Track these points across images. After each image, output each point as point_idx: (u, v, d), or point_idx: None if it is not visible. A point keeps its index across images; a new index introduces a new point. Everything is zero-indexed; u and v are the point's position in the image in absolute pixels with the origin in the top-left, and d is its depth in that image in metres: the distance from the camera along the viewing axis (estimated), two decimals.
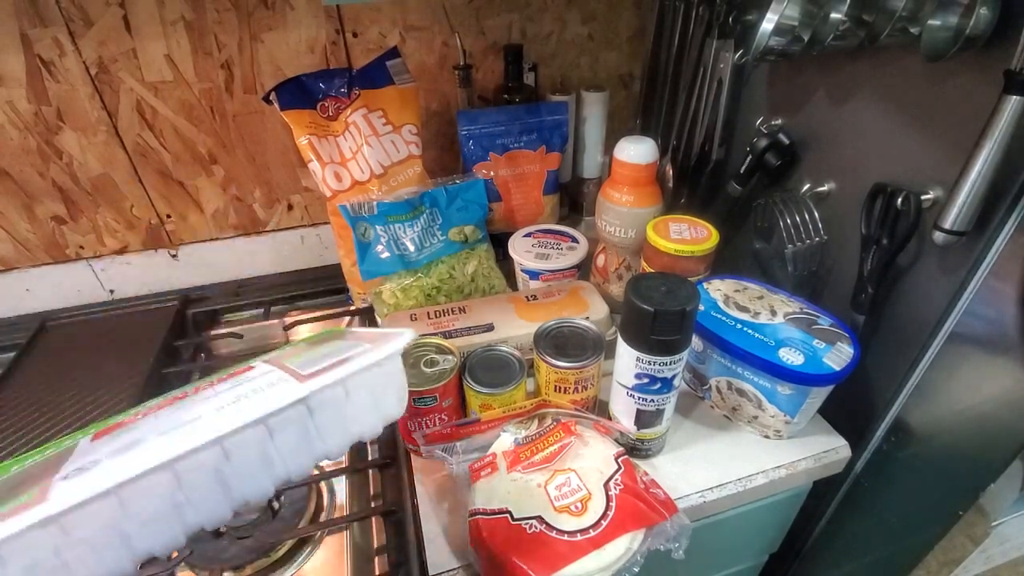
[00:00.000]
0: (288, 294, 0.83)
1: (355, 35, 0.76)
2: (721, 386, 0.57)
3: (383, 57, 0.70)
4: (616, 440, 0.53)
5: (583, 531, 0.44)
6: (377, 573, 0.52)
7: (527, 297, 0.65)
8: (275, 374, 0.33)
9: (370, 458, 0.62)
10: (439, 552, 0.48)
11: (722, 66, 0.65)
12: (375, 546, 0.55)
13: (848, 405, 0.56)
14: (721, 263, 0.63)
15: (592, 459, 0.50)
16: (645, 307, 0.43)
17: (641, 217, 0.64)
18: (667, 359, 0.46)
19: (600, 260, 0.73)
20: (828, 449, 0.56)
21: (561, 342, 0.54)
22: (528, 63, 0.82)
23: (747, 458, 0.55)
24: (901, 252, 0.50)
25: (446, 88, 0.84)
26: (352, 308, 0.80)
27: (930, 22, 0.41)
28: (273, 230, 0.88)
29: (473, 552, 0.46)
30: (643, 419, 0.51)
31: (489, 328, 0.60)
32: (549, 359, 0.52)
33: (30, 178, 0.74)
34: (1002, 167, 0.39)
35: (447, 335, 0.59)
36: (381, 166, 0.70)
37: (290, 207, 0.86)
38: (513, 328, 0.60)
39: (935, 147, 0.46)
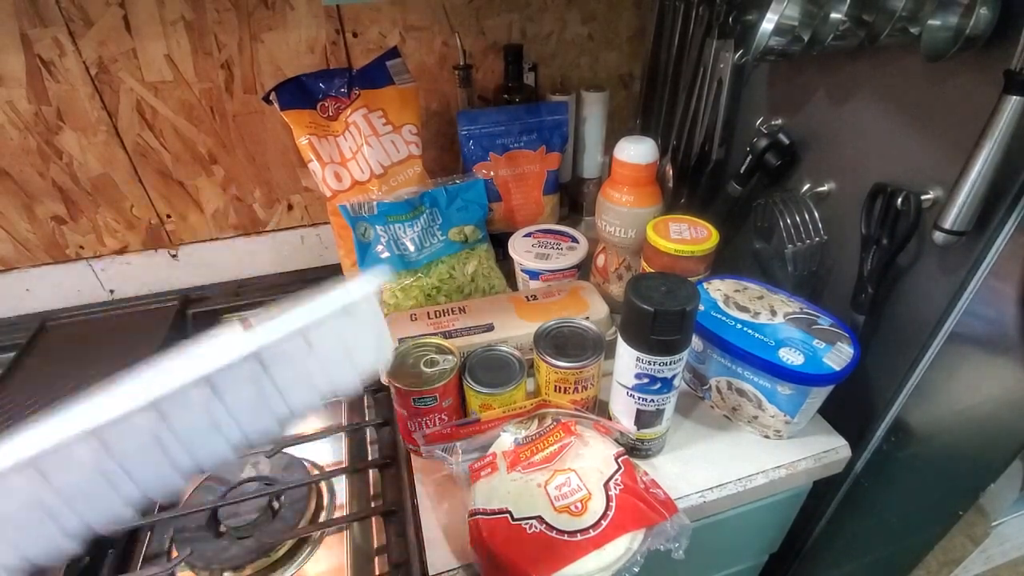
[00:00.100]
0: (288, 294, 0.82)
1: (355, 35, 0.76)
2: (721, 386, 0.57)
3: (383, 57, 0.70)
4: (616, 440, 0.53)
5: (583, 531, 0.44)
6: (377, 573, 0.52)
7: (527, 297, 0.65)
8: (230, 330, 0.29)
9: (370, 458, 0.62)
10: (439, 552, 0.48)
11: (722, 66, 0.65)
12: (375, 546, 0.55)
13: (848, 405, 0.56)
14: (721, 263, 0.63)
15: (592, 459, 0.50)
16: (645, 307, 0.43)
17: (641, 217, 0.64)
18: (667, 359, 0.46)
19: (600, 260, 0.73)
20: (828, 449, 0.56)
21: (561, 342, 0.54)
22: (528, 63, 0.82)
23: (747, 458, 0.55)
24: (901, 252, 0.50)
25: (446, 88, 0.83)
26: None
27: (930, 22, 0.41)
28: (273, 230, 0.88)
29: (473, 552, 0.46)
30: (643, 419, 0.51)
31: (489, 328, 0.60)
32: (549, 359, 0.52)
33: (30, 178, 0.74)
34: (1002, 167, 0.39)
35: (447, 335, 0.59)
36: (381, 166, 0.70)
37: (290, 207, 0.86)
38: (513, 328, 0.60)
39: (935, 147, 0.46)
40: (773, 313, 0.55)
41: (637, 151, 0.62)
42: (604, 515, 0.45)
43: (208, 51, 0.71)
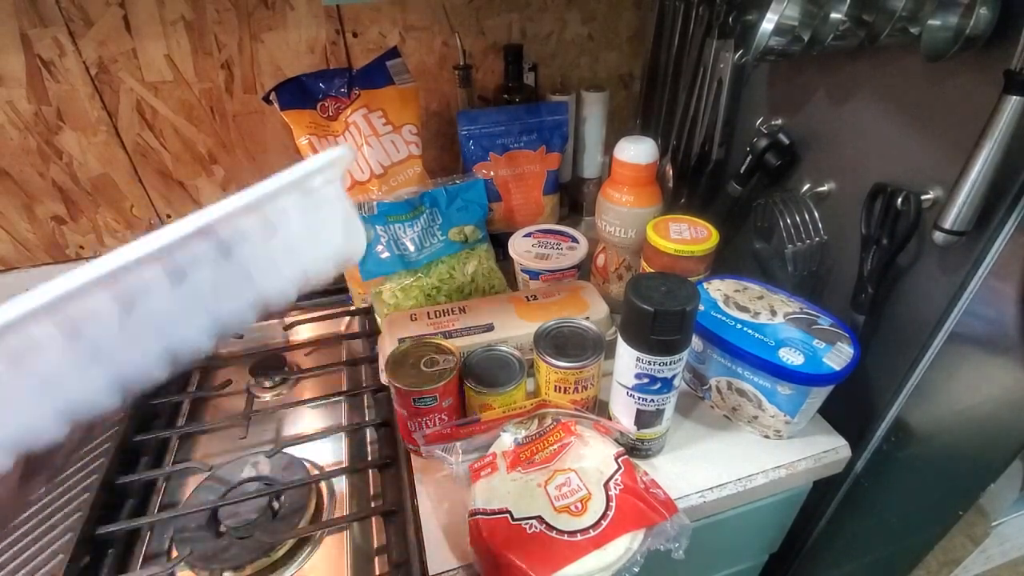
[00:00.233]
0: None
1: (355, 35, 0.76)
2: (721, 386, 0.57)
3: (383, 57, 0.70)
4: (616, 440, 0.53)
5: (583, 531, 0.44)
6: (377, 573, 0.52)
7: (527, 297, 0.65)
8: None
9: (370, 458, 0.62)
10: (439, 552, 0.48)
11: (722, 66, 0.65)
12: (375, 546, 0.55)
13: (848, 405, 0.56)
14: (721, 263, 0.63)
15: (592, 459, 0.50)
16: (645, 307, 0.43)
17: (641, 217, 0.64)
18: (667, 359, 0.46)
19: (600, 260, 0.73)
20: (828, 449, 0.56)
21: (561, 342, 0.54)
22: (528, 63, 0.82)
23: (747, 458, 0.55)
24: (901, 252, 0.50)
25: (446, 88, 0.84)
26: (352, 308, 0.80)
27: (930, 22, 0.41)
28: None
29: (473, 552, 0.46)
30: (643, 419, 0.51)
31: (489, 328, 0.60)
32: (549, 359, 0.52)
33: (30, 178, 0.74)
34: (1002, 167, 0.39)
35: (447, 335, 0.59)
36: (381, 166, 0.70)
37: None
38: (513, 328, 0.60)
39: (935, 147, 0.46)
40: (773, 313, 0.55)
41: (637, 151, 0.62)
42: (604, 515, 0.45)
43: (208, 51, 0.71)
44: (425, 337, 0.56)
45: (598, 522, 0.44)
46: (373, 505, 0.58)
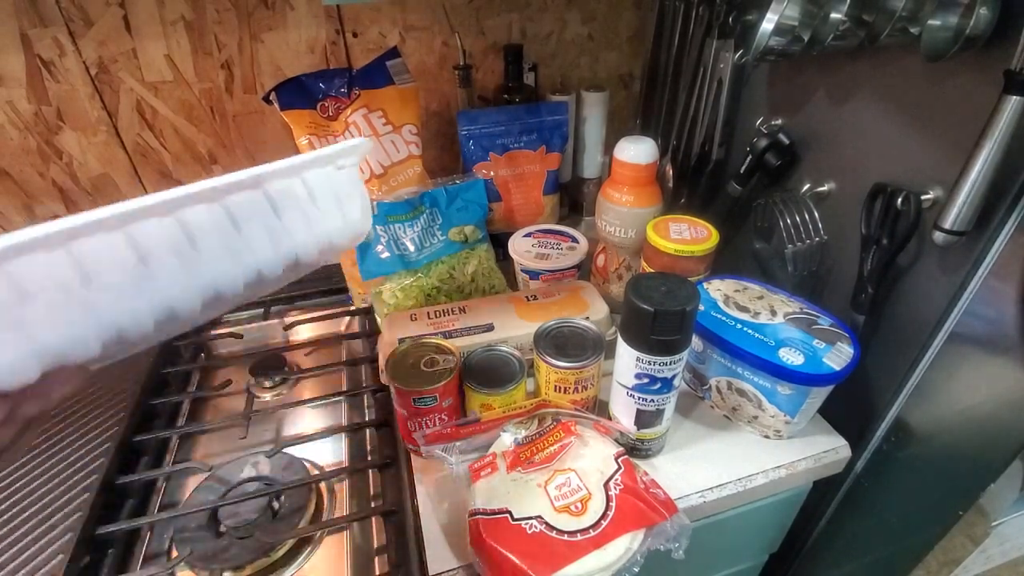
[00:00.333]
0: (288, 294, 0.83)
1: (355, 35, 0.76)
2: (721, 386, 0.57)
3: (383, 57, 0.70)
4: (616, 440, 0.53)
5: (583, 531, 0.44)
6: (377, 573, 0.52)
7: (527, 297, 0.65)
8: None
9: (370, 458, 0.62)
10: (439, 552, 0.48)
11: (722, 66, 0.65)
12: (375, 546, 0.55)
13: (848, 405, 0.56)
14: (721, 263, 0.63)
15: (592, 459, 0.50)
16: (645, 307, 0.43)
17: (641, 217, 0.64)
18: (667, 359, 0.46)
19: (600, 260, 0.73)
20: (828, 449, 0.56)
21: (561, 342, 0.54)
22: (528, 63, 0.82)
23: (747, 458, 0.55)
24: (901, 252, 0.50)
25: (446, 88, 0.84)
26: (352, 308, 0.80)
27: (930, 22, 0.41)
28: None
29: (473, 552, 0.46)
30: (643, 419, 0.51)
31: (489, 328, 0.60)
32: (549, 359, 0.52)
33: (30, 178, 0.74)
34: (1002, 167, 0.39)
35: (447, 335, 0.59)
36: (381, 166, 0.70)
37: None
38: (513, 328, 0.60)
39: (935, 147, 0.46)
40: (773, 313, 0.55)
41: (637, 151, 0.62)
42: (604, 515, 0.45)
43: (208, 51, 0.71)
44: (425, 337, 0.56)
45: (598, 522, 0.44)
46: (373, 505, 0.58)
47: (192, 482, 0.60)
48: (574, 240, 0.72)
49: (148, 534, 0.57)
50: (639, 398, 0.49)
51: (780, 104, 0.63)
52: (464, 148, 0.78)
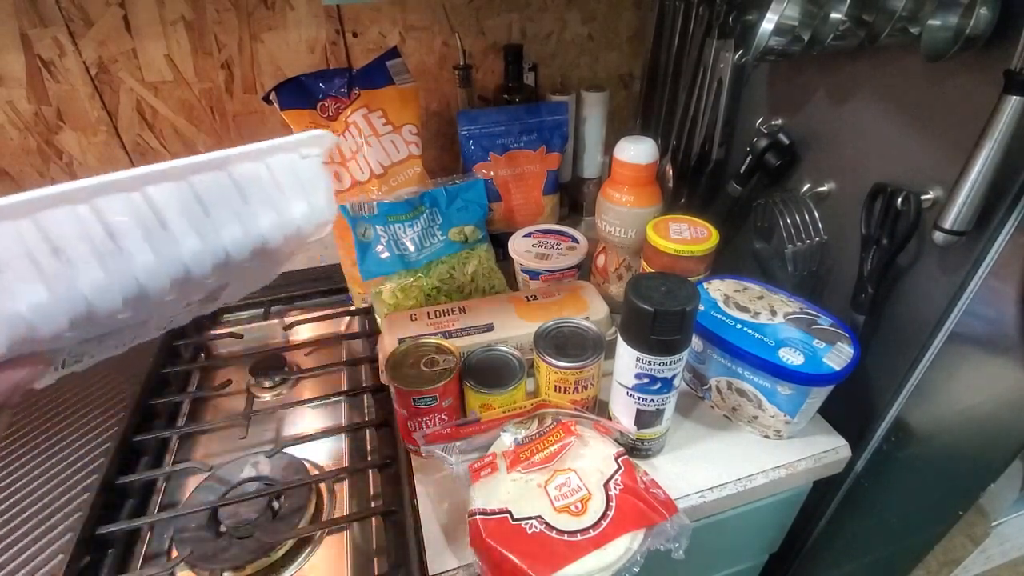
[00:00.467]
0: (288, 294, 0.83)
1: (355, 35, 0.76)
2: (721, 386, 0.57)
3: (383, 57, 0.70)
4: (616, 440, 0.53)
5: (583, 531, 0.44)
6: (377, 573, 0.52)
7: (527, 297, 0.65)
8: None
9: (370, 458, 0.62)
10: (439, 552, 0.48)
11: (722, 66, 0.65)
12: (375, 546, 0.55)
13: (848, 405, 0.56)
14: (721, 263, 0.63)
15: (592, 459, 0.50)
16: (645, 307, 0.43)
17: (641, 217, 0.64)
18: (667, 359, 0.46)
19: (600, 260, 0.73)
20: (828, 449, 0.56)
21: (561, 342, 0.54)
22: (528, 63, 0.82)
23: (747, 458, 0.55)
24: (901, 252, 0.50)
25: (446, 88, 0.84)
26: (352, 308, 0.80)
27: (930, 22, 0.41)
28: None
29: (473, 552, 0.46)
30: (643, 419, 0.51)
31: (489, 328, 0.60)
32: (549, 359, 0.52)
33: (30, 178, 0.74)
34: (1002, 167, 0.39)
35: (447, 335, 0.59)
36: (381, 166, 0.70)
37: None
38: (513, 328, 0.60)
39: (935, 147, 0.46)
40: (773, 313, 0.55)
41: (637, 151, 0.62)
42: (604, 515, 0.45)
43: (208, 51, 0.71)
44: (425, 337, 0.56)
45: (598, 522, 0.44)
46: (373, 505, 0.58)
47: (192, 482, 0.60)
48: (574, 240, 0.72)
49: (148, 534, 0.57)
50: (639, 398, 0.49)
51: (780, 104, 0.63)
52: (464, 148, 0.78)
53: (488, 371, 0.54)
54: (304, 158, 0.35)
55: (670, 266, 0.60)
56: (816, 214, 0.59)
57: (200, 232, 0.31)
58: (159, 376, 0.70)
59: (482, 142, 0.78)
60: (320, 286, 0.84)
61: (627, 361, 0.47)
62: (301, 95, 0.69)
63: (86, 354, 0.32)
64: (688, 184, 0.77)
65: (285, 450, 0.62)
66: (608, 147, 0.80)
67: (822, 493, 0.64)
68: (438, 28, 0.78)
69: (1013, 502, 0.84)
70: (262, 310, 0.80)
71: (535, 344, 0.54)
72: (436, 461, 0.51)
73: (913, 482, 0.66)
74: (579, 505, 0.46)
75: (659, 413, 0.50)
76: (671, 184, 0.78)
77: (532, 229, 0.74)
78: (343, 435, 0.65)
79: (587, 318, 0.58)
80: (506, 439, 0.51)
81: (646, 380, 0.48)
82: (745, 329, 0.53)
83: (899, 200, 0.48)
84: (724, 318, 0.54)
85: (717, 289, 0.59)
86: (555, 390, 0.54)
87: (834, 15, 0.47)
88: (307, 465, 0.61)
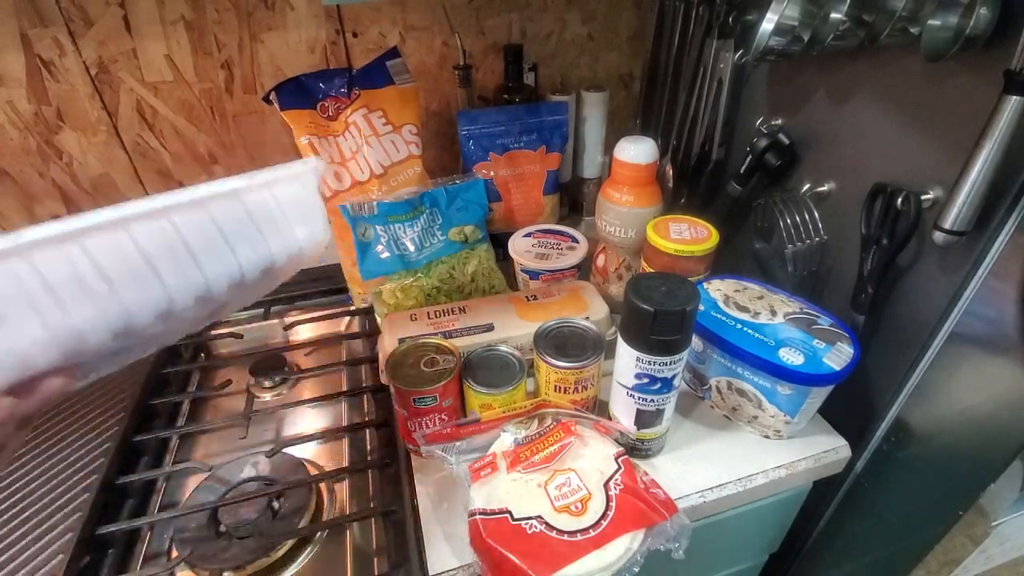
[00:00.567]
0: (288, 294, 0.83)
1: (355, 35, 0.76)
2: (721, 386, 0.57)
3: (383, 57, 0.70)
4: (616, 440, 0.53)
5: (583, 531, 0.44)
6: (377, 573, 0.52)
7: (527, 297, 0.65)
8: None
9: (370, 458, 0.62)
10: (439, 552, 0.48)
11: (722, 66, 0.65)
12: (375, 546, 0.55)
13: (848, 405, 0.56)
14: (721, 263, 0.63)
15: (592, 459, 0.50)
16: (645, 307, 0.43)
17: (641, 217, 0.64)
18: (667, 359, 0.46)
19: (600, 260, 0.73)
20: (828, 449, 0.56)
21: (561, 342, 0.54)
22: (528, 63, 0.82)
23: (747, 458, 0.55)
24: (901, 252, 0.50)
25: (446, 88, 0.84)
26: (352, 308, 0.80)
27: (930, 22, 0.41)
28: None
29: (473, 552, 0.46)
30: (643, 419, 0.51)
31: (489, 328, 0.60)
32: (549, 359, 0.52)
33: (30, 178, 0.74)
34: (1002, 167, 0.39)
35: (447, 335, 0.59)
36: (381, 166, 0.70)
37: None
38: (513, 328, 0.60)
39: (935, 147, 0.46)
40: (773, 313, 0.55)
41: (637, 151, 0.62)
42: (604, 515, 0.45)
43: (208, 51, 0.71)
44: (425, 337, 0.56)
45: (598, 522, 0.44)
46: (373, 505, 0.58)
47: (192, 482, 0.60)
48: (574, 240, 0.72)
49: (148, 534, 0.57)
50: (639, 398, 0.49)
51: (780, 104, 0.63)
52: (464, 148, 0.78)
53: (488, 371, 0.54)
54: (305, 187, 0.38)
55: (670, 266, 0.60)
56: (816, 214, 0.59)
57: (220, 256, 0.33)
58: (159, 376, 0.70)
59: (482, 142, 0.78)
60: (320, 286, 0.84)
61: (627, 361, 0.47)
62: (301, 95, 0.69)
63: (103, 366, 0.34)
64: (688, 184, 0.77)
65: (285, 450, 0.62)
66: (608, 147, 0.80)
67: (822, 493, 0.64)
68: (438, 28, 0.78)
69: (1013, 502, 0.84)
70: (262, 310, 0.80)
71: (535, 344, 0.54)
72: (436, 461, 0.51)
73: (913, 482, 0.66)
74: (579, 505, 0.46)
75: (659, 413, 0.50)
76: (671, 184, 0.78)
77: (532, 229, 0.74)
78: (343, 435, 0.65)
79: (587, 318, 0.58)
80: (506, 439, 0.51)
81: (646, 380, 0.48)
82: (745, 329, 0.53)
83: (899, 200, 0.48)
84: (724, 318, 0.54)
85: (717, 289, 0.59)
86: (555, 390, 0.54)
87: (834, 15, 0.47)
88: (307, 465, 0.61)
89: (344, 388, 0.72)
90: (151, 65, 0.70)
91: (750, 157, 0.63)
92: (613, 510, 0.45)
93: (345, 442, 0.65)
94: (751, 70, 0.65)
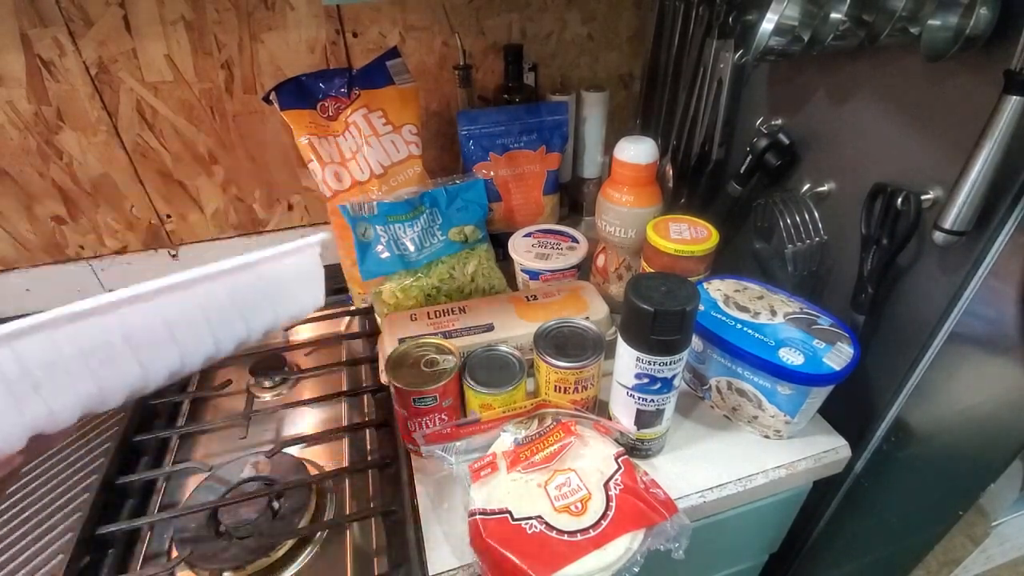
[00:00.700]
0: None
1: (355, 35, 0.76)
2: (721, 386, 0.57)
3: (383, 57, 0.70)
4: (616, 440, 0.53)
5: (583, 531, 0.44)
6: (377, 573, 0.52)
7: (527, 297, 0.65)
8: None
9: (370, 458, 0.62)
10: (439, 552, 0.48)
11: (722, 66, 0.65)
12: (375, 546, 0.55)
13: (848, 405, 0.56)
14: (721, 263, 0.63)
15: (592, 459, 0.50)
16: (645, 307, 0.43)
17: (641, 217, 0.64)
18: (667, 359, 0.46)
19: (600, 260, 0.73)
20: (828, 449, 0.56)
21: (561, 342, 0.54)
22: (528, 63, 0.82)
23: (747, 458, 0.55)
24: (901, 252, 0.50)
25: (446, 88, 0.84)
26: (352, 308, 0.80)
27: (930, 22, 0.41)
28: (273, 230, 0.88)
29: (473, 552, 0.46)
30: (643, 419, 0.51)
31: (489, 328, 0.60)
32: (549, 359, 0.52)
33: (30, 178, 0.74)
34: (1002, 167, 0.39)
35: (447, 335, 0.59)
36: (381, 166, 0.70)
37: (290, 207, 0.86)
38: (513, 328, 0.60)
39: (935, 147, 0.46)
40: (773, 313, 0.55)
41: (637, 151, 0.62)
42: (604, 515, 0.45)
43: (208, 51, 0.71)
44: (425, 337, 0.56)
45: (598, 522, 0.44)
46: (373, 505, 0.58)
47: (192, 482, 0.60)
48: (574, 240, 0.72)
49: (148, 534, 0.57)
50: (639, 398, 0.49)
51: (780, 104, 0.63)
52: (464, 148, 0.78)
53: (488, 371, 0.54)
54: (309, 257, 0.41)
55: (670, 266, 0.60)
56: (816, 214, 0.59)
57: (232, 324, 0.37)
58: None
59: (482, 142, 0.78)
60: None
61: (627, 361, 0.47)
62: (301, 95, 0.69)
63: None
64: (688, 184, 0.77)
65: (285, 450, 0.62)
66: (608, 147, 0.80)
67: (822, 493, 0.64)
68: (438, 28, 0.78)
69: (1013, 502, 0.84)
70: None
71: (535, 344, 0.54)
72: (436, 461, 0.51)
73: (913, 482, 0.66)
74: (579, 505, 0.46)
75: (659, 413, 0.50)
76: (671, 184, 0.78)
77: (532, 229, 0.74)
78: (343, 435, 0.65)
79: (587, 318, 0.58)
80: (506, 439, 0.51)
81: (646, 380, 0.48)
82: (745, 329, 0.53)
83: (899, 200, 0.48)
84: (724, 318, 0.54)
85: (717, 289, 0.59)
86: (555, 390, 0.54)
87: (834, 15, 0.47)
88: (307, 465, 0.61)
89: (344, 388, 0.71)
90: (151, 65, 0.70)
91: (750, 157, 0.63)
92: (613, 510, 0.45)
93: (345, 442, 0.65)
94: (751, 70, 0.65)
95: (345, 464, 0.63)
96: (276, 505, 0.56)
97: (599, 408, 0.58)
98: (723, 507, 0.54)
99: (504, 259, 0.75)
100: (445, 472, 0.51)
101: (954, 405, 0.56)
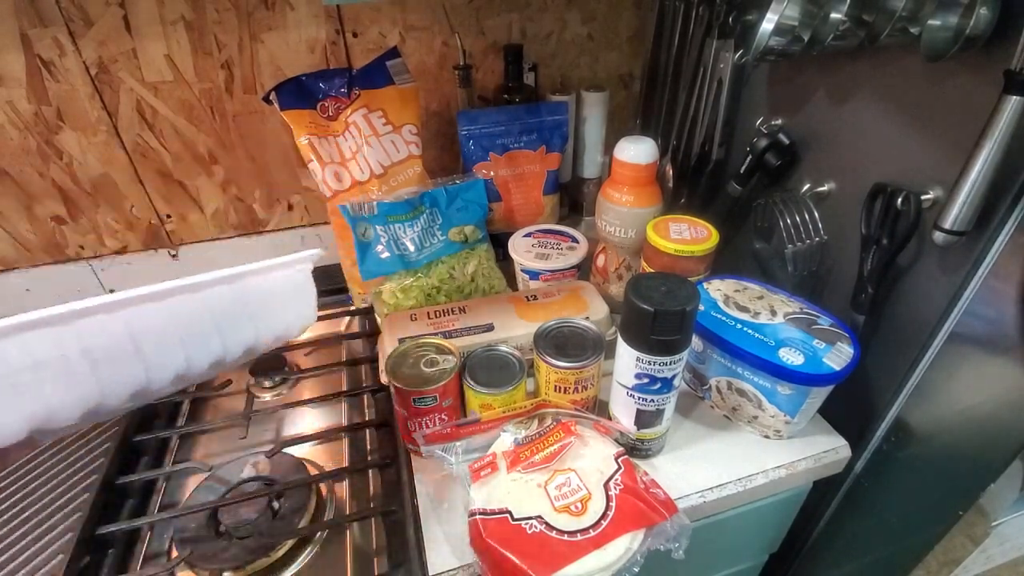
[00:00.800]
0: None
1: (355, 35, 0.76)
2: (721, 386, 0.57)
3: (383, 57, 0.70)
4: (616, 440, 0.53)
5: (583, 531, 0.44)
6: (377, 573, 0.52)
7: (527, 297, 0.65)
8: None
9: (370, 458, 0.62)
10: (439, 552, 0.48)
11: (722, 66, 0.65)
12: (375, 546, 0.55)
13: (848, 405, 0.56)
14: (721, 263, 0.63)
15: (592, 459, 0.50)
16: (645, 307, 0.43)
17: (641, 217, 0.64)
18: (667, 359, 0.46)
19: (600, 260, 0.73)
20: (828, 449, 0.56)
21: (561, 342, 0.54)
22: (528, 63, 0.82)
23: (747, 458, 0.55)
24: (901, 252, 0.50)
25: (446, 88, 0.83)
26: (352, 308, 0.80)
27: (930, 22, 0.41)
28: (273, 230, 0.88)
29: (473, 552, 0.46)
30: (643, 419, 0.51)
31: (489, 328, 0.60)
32: (549, 359, 0.52)
33: (30, 178, 0.74)
34: (1002, 167, 0.39)
35: (447, 335, 0.59)
36: (381, 166, 0.70)
37: (290, 207, 0.86)
38: (513, 328, 0.60)
39: (935, 147, 0.46)
40: (773, 313, 0.55)
41: (637, 151, 0.62)
42: (604, 515, 0.45)
43: (208, 51, 0.71)
44: (425, 337, 0.56)
45: (598, 522, 0.44)
46: (373, 505, 0.58)
47: (192, 482, 0.60)
48: (574, 240, 0.72)
49: (148, 534, 0.57)
50: (639, 398, 0.49)
51: (780, 104, 0.63)
52: (464, 148, 0.78)
53: (488, 371, 0.54)
54: (300, 271, 0.41)
55: (670, 266, 0.60)
56: (816, 214, 0.59)
57: (206, 341, 0.37)
58: None
59: (482, 142, 0.78)
60: (320, 286, 0.83)
61: (627, 361, 0.47)
62: (301, 95, 0.69)
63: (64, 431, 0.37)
64: (688, 184, 0.77)
65: (285, 450, 0.62)
66: (608, 147, 0.80)
67: (822, 493, 0.64)
68: (438, 28, 0.78)
69: (1013, 502, 0.84)
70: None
71: (535, 344, 0.54)
72: (436, 461, 0.51)
73: (913, 482, 0.66)
74: (579, 505, 0.46)
75: (659, 413, 0.50)
76: (671, 184, 0.78)
77: (532, 229, 0.74)
78: (343, 435, 0.65)
79: (587, 318, 0.58)
80: (506, 439, 0.51)
81: (646, 380, 0.48)
82: (745, 329, 0.53)
83: (899, 200, 0.48)
84: (724, 318, 0.54)
85: (717, 289, 0.59)
86: (555, 390, 0.54)
87: (834, 15, 0.47)
88: (307, 465, 0.61)
89: (344, 388, 0.71)
90: (151, 65, 0.70)
91: (750, 157, 0.63)
92: (613, 510, 0.45)
93: (345, 442, 0.65)
94: (751, 70, 0.65)
95: (345, 464, 0.63)
96: (276, 505, 0.56)
97: (599, 408, 0.58)
98: (723, 507, 0.54)
99: (504, 259, 0.75)
100: (445, 472, 0.51)
101: (954, 405, 0.56)
